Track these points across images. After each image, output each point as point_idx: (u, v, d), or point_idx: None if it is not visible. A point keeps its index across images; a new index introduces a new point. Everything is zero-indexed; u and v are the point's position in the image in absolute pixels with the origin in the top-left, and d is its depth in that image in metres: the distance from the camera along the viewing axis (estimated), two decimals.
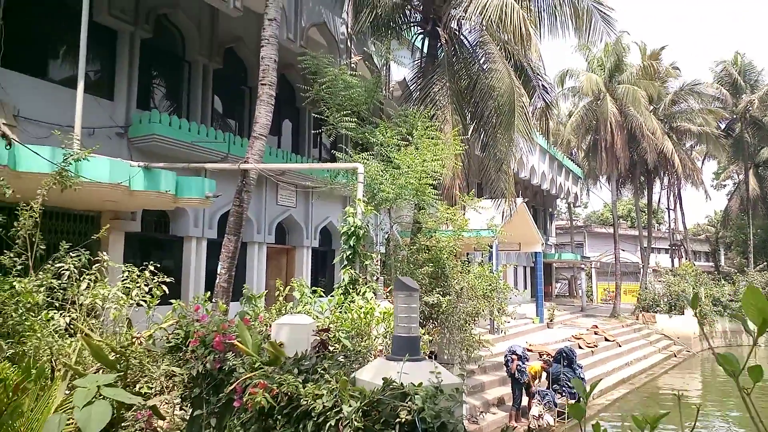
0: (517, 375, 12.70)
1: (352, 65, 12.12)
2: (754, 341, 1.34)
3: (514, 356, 12.73)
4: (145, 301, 5.78)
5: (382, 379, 3.11)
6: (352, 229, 8.56)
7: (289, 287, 7.57)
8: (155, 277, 5.90)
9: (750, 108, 35.48)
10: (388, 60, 13.43)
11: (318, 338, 5.43)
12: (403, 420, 2.82)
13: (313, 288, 7.81)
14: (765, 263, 35.05)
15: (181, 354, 4.83)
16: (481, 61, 12.92)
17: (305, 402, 3.34)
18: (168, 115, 12.02)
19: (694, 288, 29.32)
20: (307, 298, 7.59)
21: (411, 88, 14.09)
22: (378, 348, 7.38)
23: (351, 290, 8.20)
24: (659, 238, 46.06)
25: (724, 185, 48.04)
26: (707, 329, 29.49)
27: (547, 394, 13.24)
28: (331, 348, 5.79)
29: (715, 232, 52.08)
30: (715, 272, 39.85)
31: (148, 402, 4.61)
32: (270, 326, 5.60)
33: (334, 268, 17.00)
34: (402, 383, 3.03)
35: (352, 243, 8.59)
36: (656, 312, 29.05)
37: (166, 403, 5.06)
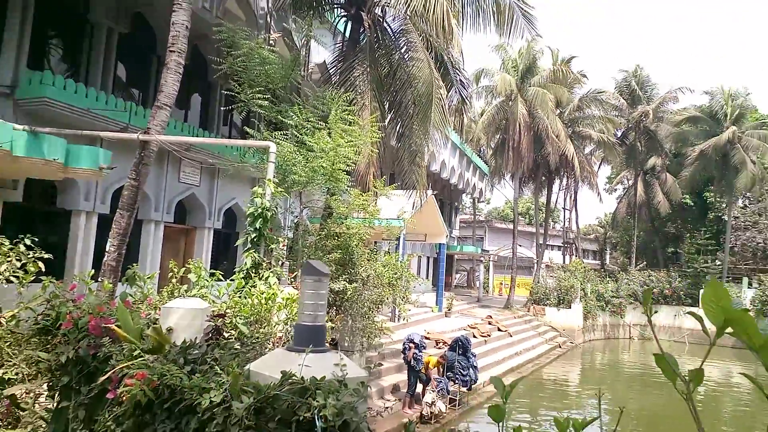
0: (412, 363, 12.94)
1: (271, 42, 11.66)
2: (711, 343, 1.24)
3: (411, 344, 12.95)
4: (17, 277, 5.19)
5: (281, 372, 2.89)
6: (260, 210, 8.23)
7: (184, 269, 7.15)
8: (31, 252, 5.31)
9: (644, 119, 38.31)
10: (309, 39, 13.05)
11: (212, 324, 5.14)
12: (301, 418, 2.63)
13: (212, 271, 7.43)
14: (645, 263, 38.22)
15: (50, 338, 4.36)
16: (403, 50, 12.88)
17: (190, 396, 3.04)
18: (63, 78, 10.98)
19: (581, 284, 31.39)
20: (204, 281, 7.21)
21: (331, 71, 13.81)
22: (278, 335, 7.16)
23: (253, 274, 7.89)
24: (553, 235, 48.82)
25: (616, 189, 51.70)
26: (590, 322, 31.75)
27: (441, 382, 13.60)
28: (226, 335, 5.51)
29: (604, 233, 56.07)
30: (601, 270, 42.91)
31: (6, 391, 4.11)
32: (159, 310, 5.23)
33: (236, 252, 16.43)
34: (303, 377, 2.82)
35: (258, 225, 8.26)
36: (546, 305, 30.79)
37: (28, 392, 4.56)
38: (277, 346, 7.05)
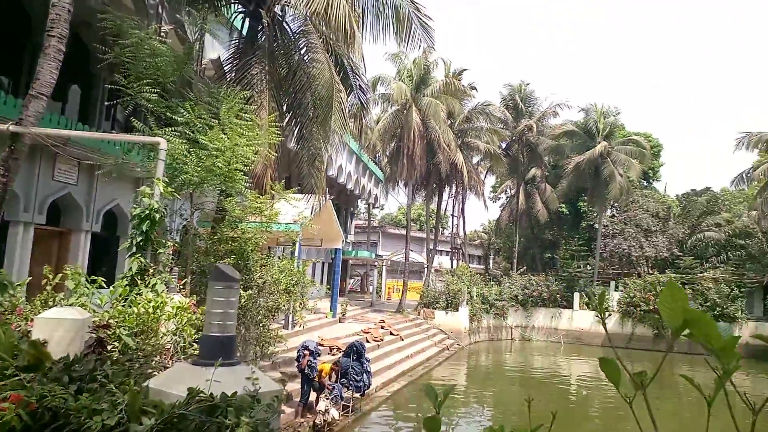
0: (306, 371, 12.71)
1: (162, 33, 10.95)
2: (667, 348, 1.21)
3: (305, 352, 12.72)
4: None
5: (188, 389, 2.62)
6: (147, 211, 7.66)
7: (60, 275, 6.46)
8: None
9: (526, 132, 40.82)
10: (203, 33, 12.41)
11: (95, 336, 4.66)
12: None
13: (93, 278, 6.78)
14: (525, 268, 40.63)
15: None
16: (303, 51, 12.65)
17: (77, 420, 2.65)
18: None
19: (468, 288, 32.72)
20: (84, 289, 6.56)
21: (226, 68, 13.24)
22: (167, 347, 6.68)
23: (139, 281, 7.32)
24: (443, 241, 50.52)
25: (500, 198, 54.62)
26: (476, 324, 33.18)
27: (334, 388, 13.48)
28: (110, 348, 5.03)
29: (488, 239, 58.99)
30: (485, 274, 45.04)
31: None
32: (32, 321, 4.65)
33: (117, 257, 15.23)
34: (212, 394, 2.57)
35: (145, 228, 7.67)
36: (436, 308, 31.74)
37: None
38: (166, 360, 6.57)
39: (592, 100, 55.27)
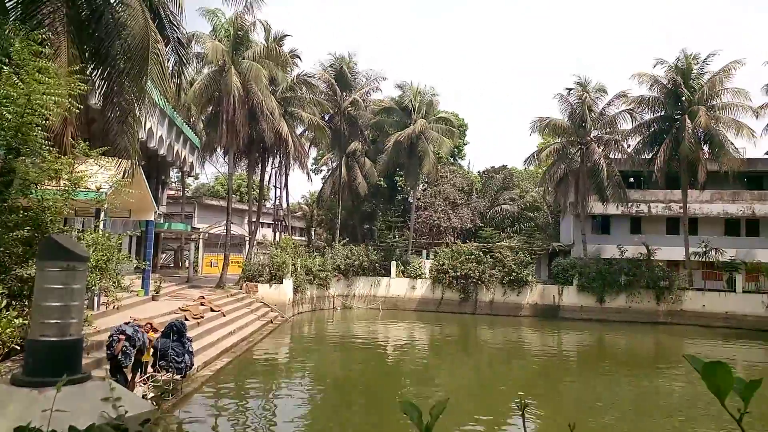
0: (120, 357, 11.38)
1: None
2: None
3: (121, 336, 11.36)
4: None
5: (14, 429, 1.49)
6: None
7: None
8: None
9: (349, 106, 41.21)
10: None
11: None
12: None
13: None
14: (347, 239, 41.46)
15: None
16: None
17: None
18: None
19: (292, 259, 32.41)
20: None
21: (8, 3, 10.89)
22: None
23: None
24: (265, 213, 49.34)
25: (322, 170, 54.81)
26: (300, 296, 33.13)
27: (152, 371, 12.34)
28: None
29: (311, 211, 59.08)
30: (309, 246, 45.11)
31: None
32: None
33: None
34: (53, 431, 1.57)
35: None
36: (259, 282, 30.95)
37: None
38: None
39: (408, 79, 57.76)
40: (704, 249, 34.61)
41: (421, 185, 45.77)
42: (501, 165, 56.64)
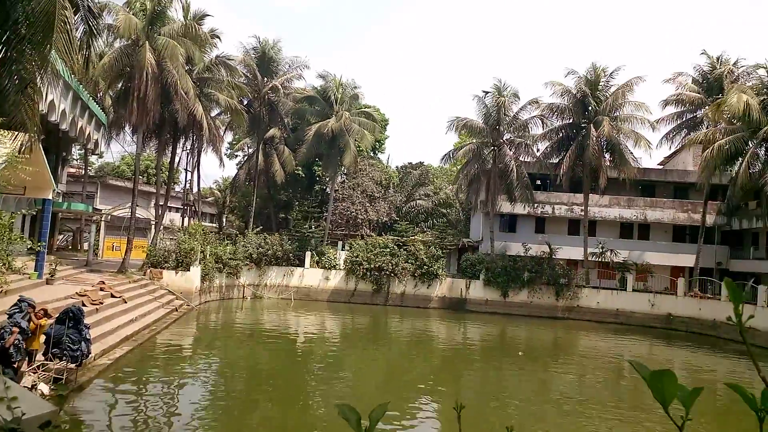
0: (12, 351, 10.62)
1: None
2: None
3: (15, 329, 10.60)
4: None
5: None
6: None
7: None
8: None
9: (269, 91, 40.37)
10: None
11: None
12: None
13: None
14: (261, 227, 40.71)
15: None
16: None
17: None
18: None
19: (201, 246, 31.39)
20: None
21: None
22: None
23: None
24: (173, 197, 47.40)
25: (237, 155, 53.39)
26: (207, 284, 32.16)
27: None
28: None
29: (222, 197, 57.37)
30: (219, 233, 43.88)
31: None
32: None
33: None
34: None
35: None
36: (165, 268, 29.74)
37: None
38: None
39: (330, 69, 57.23)
40: (601, 250, 37.10)
41: (340, 177, 45.74)
42: (418, 161, 57.77)
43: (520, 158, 38.52)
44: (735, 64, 37.27)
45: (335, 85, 40.78)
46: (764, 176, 28.45)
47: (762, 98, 30.12)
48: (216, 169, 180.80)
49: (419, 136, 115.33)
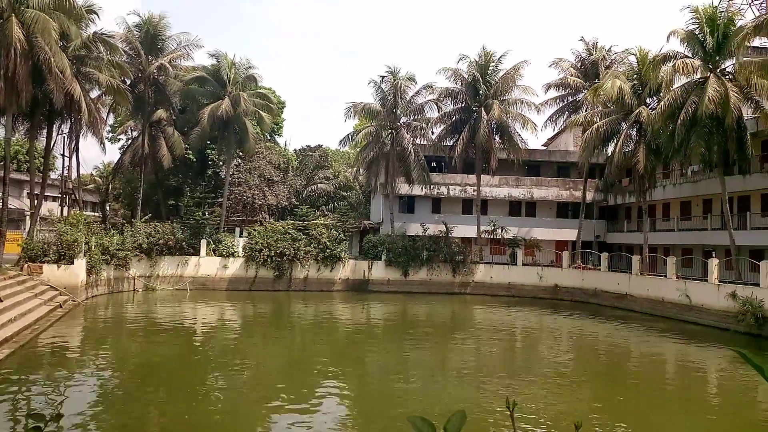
0: None
1: None
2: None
3: None
4: None
5: None
6: None
7: None
8: None
9: (155, 71, 37.86)
10: None
11: None
12: None
13: None
14: (149, 215, 38.51)
15: None
16: None
17: None
18: None
19: (85, 237, 29.19)
20: None
21: None
22: None
23: None
24: (50, 185, 43.54)
25: (120, 139, 49.81)
26: (94, 278, 30.01)
27: None
28: None
29: (105, 184, 53.51)
30: (103, 222, 41.01)
31: None
32: None
33: None
34: None
35: None
36: (45, 262, 27.39)
37: None
38: None
39: (222, 48, 54.95)
40: (492, 227, 39.07)
41: (235, 160, 44.24)
42: (317, 144, 57.32)
43: (417, 141, 39.41)
44: (609, 51, 40.44)
45: (228, 64, 39.22)
46: (636, 155, 31.22)
47: (633, 83, 32.93)
48: (97, 153, 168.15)
49: (317, 119, 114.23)
